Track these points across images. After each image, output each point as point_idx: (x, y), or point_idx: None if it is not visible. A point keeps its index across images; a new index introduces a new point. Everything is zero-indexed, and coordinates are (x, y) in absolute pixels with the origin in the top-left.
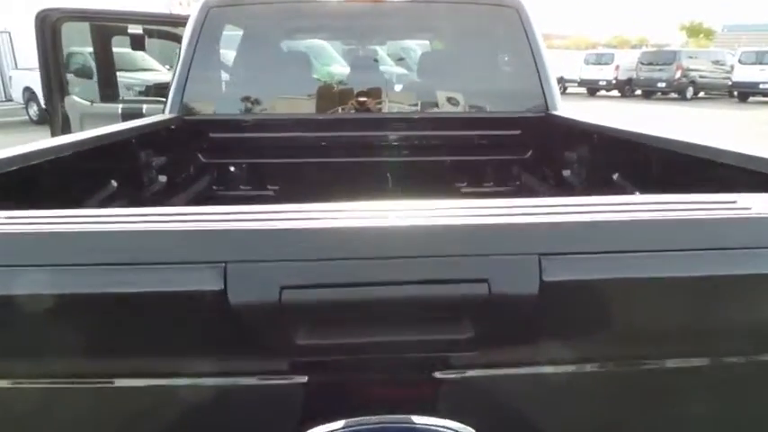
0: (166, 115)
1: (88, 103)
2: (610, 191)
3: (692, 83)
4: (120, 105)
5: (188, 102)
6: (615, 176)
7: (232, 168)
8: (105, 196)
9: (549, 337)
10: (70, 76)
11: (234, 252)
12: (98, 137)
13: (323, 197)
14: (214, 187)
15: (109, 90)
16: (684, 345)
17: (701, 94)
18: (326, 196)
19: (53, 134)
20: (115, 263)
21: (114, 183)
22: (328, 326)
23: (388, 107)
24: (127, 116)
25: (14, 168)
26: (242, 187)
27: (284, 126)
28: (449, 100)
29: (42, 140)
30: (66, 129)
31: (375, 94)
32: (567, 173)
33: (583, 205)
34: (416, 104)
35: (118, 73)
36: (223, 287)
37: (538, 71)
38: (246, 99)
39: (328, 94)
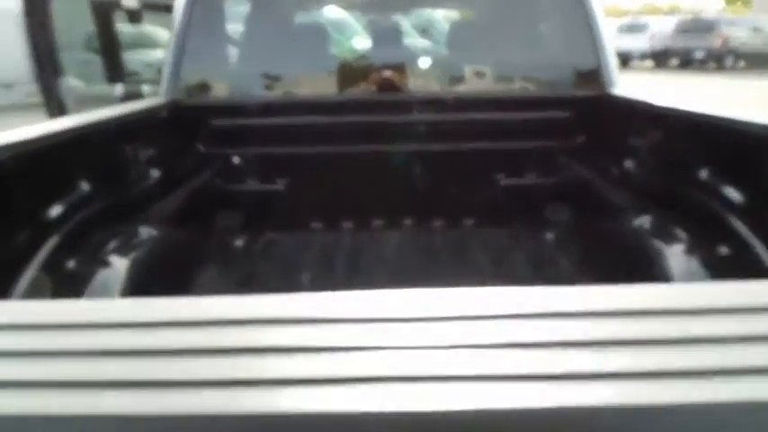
0: (158, 100)
1: (83, 85)
2: (688, 189)
3: (732, 52)
4: (120, 87)
5: (184, 84)
6: (697, 173)
7: (236, 160)
8: (81, 198)
9: None
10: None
11: None
12: (73, 127)
13: (339, 195)
14: (217, 181)
15: (113, 70)
16: None
17: (742, 63)
18: (344, 194)
19: (50, 117)
20: None
21: (90, 182)
22: None
23: (415, 87)
24: (127, 99)
25: None
26: (248, 181)
27: (295, 110)
28: (485, 78)
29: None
30: (61, 113)
31: (400, 72)
32: (628, 165)
33: None
34: (448, 83)
35: (139, 51)
36: None
37: (593, 41)
38: (253, 80)
39: (347, 74)
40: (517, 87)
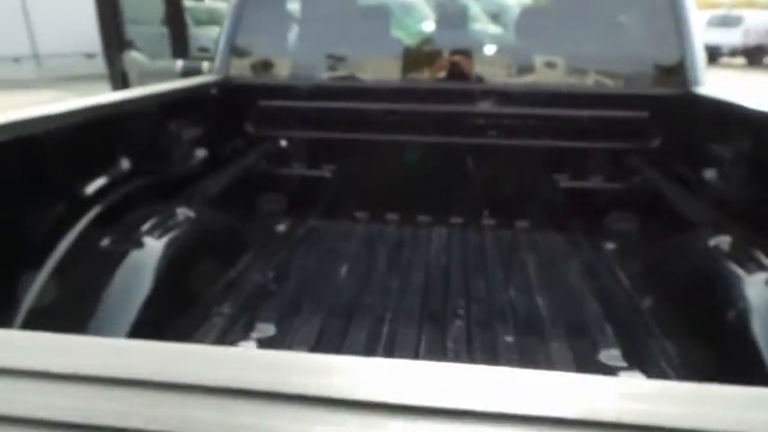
0: (210, 77)
1: (147, 59)
2: None
3: None
4: (181, 62)
5: (237, 61)
6: None
7: (284, 143)
8: (122, 174)
9: None
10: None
11: None
12: (117, 102)
13: (387, 186)
14: (263, 164)
15: (178, 45)
16: None
17: None
18: (392, 185)
19: (113, 90)
20: None
21: (133, 158)
22: None
23: (481, 76)
24: (187, 74)
25: (9, 138)
26: (294, 166)
27: (350, 95)
28: (557, 69)
29: (50, 104)
30: (124, 86)
31: (466, 60)
32: (710, 174)
33: None
34: (516, 74)
35: (211, 27)
36: None
37: (679, 32)
38: (309, 61)
39: (410, 59)
40: (591, 81)
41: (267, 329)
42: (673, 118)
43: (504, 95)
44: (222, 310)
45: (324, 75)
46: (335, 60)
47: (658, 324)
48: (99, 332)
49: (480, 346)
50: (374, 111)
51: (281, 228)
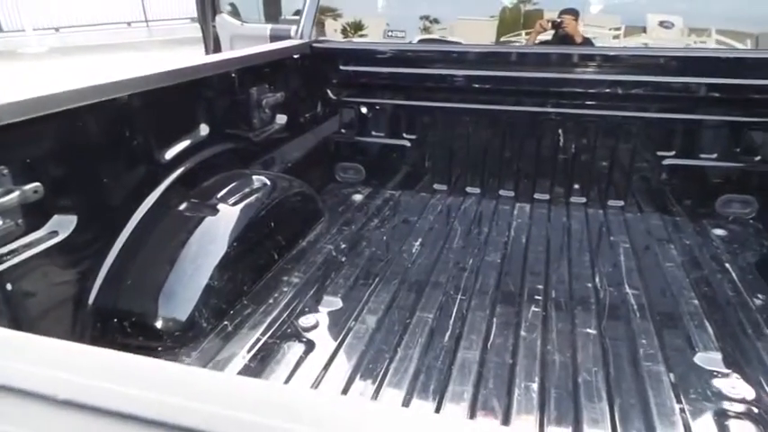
0: (293, 42)
1: (238, 23)
2: None
3: None
4: (270, 26)
5: (330, 23)
6: None
7: (364, 110)
8: (202, 139)
9: None
10: None
11: None
12: (198, 67)
13: (470, 158)
14: (343, 131)
15: (272, 8)
16: None
17: None
18: (475, 157)
19: (206, 53)
20: None
21: (213, 124)
22: None
23: (588, 39)
24: (275, 38)
25: (94, 102)
26: (374, 133)
27: (433, 59)
28: (672, 29)
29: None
30: (216, 50)
31: (569, 21)
32: None
33: None
34: (621, 34)
35: None
36: None
37: None
38: (396, 22)
39: (503, 21)
40: (711, 44)
41: (334, 302)
42: None
43: (608, 60)
44: (293, 279)
45: (415, 38)
46: (428, 22)
47: None
48: (172, 297)
49: (557, 337)
50: (460, 77)
51: (358, 197)
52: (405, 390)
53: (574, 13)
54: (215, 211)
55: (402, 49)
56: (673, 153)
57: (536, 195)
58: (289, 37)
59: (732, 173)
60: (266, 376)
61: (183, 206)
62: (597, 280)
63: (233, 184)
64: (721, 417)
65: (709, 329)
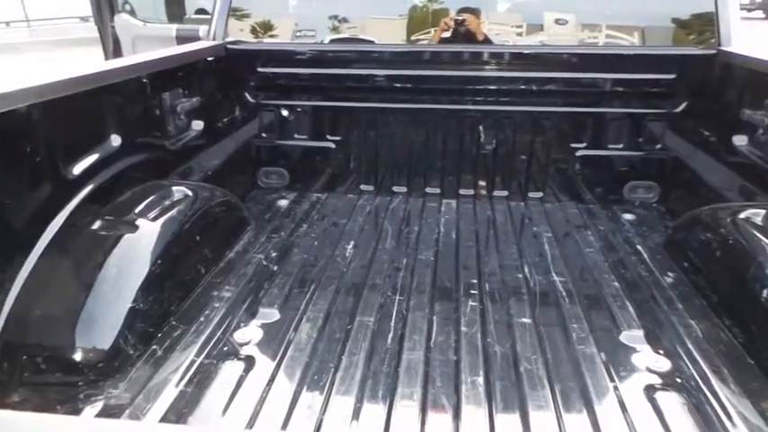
0: (206, 43)
1: (140, 23)
2: None
3: None
4: (176, 26)
5: (236, 23)
6: None
7: (285, 112)
8: (113, 150)
9: None
10: None
11: None
12: (105, 72)
13: (395, 157)
14: (263, 135)
15: (175, 7)
16: None
17: None
18: (400, 156)
19: (105, 57)
20: None
21: (125, 133)
22: None
23: (487, 37)
24: (183, 40)
25: None
26: (296, 136)
27: (352, 59)
28: (573, 28)
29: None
30: (117, 52)
31: (470, 18)
32: (740, 141)
33: None
34: (527, 33)
35: None
36: None
37: None
38: (310, 23)
39: (416, 19)
40: (604, 38)
41: (271, 314)
42: (700, 80)
43: (516, 58)
44: (224, 293)
45: (326, 38)
46: (337, 22)
47: (682, 301)
48: (92, 324)
49: (495, 329)
50: (381, 77)
51: (284, 203)
52: (354, 398)
53: (473, 11)
54: (133, 227)
55: (321, 49)
56: (584, 145)
57: (461, 191)
58: (197, 38)
59: (636, 161)
60: (205, 400)
61: (96, 225)
62: (526, 270)
63: (151, 198)
64: (649, 390)
65: (630, 309)
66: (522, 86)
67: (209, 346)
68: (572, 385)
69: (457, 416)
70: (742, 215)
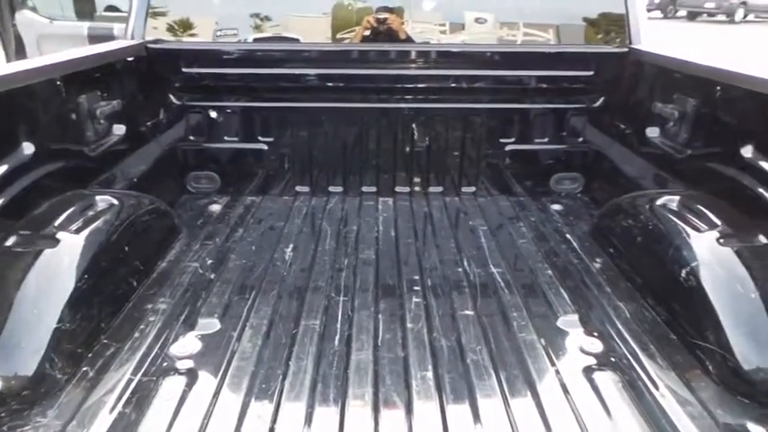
0: (123, 42)
1: (46, 21)
2: (722, 163)
3: (744, 3)
4: (87, 24)
5: (153, 22)
6: (735, 144)
7: (213, 114)
8: (27, 158)
9: None
10: None
11: None
12: (14, 75)
13: (329, 157)
14: (191, 138)
15: (85, 4)
16: None
17: (751, 16)
18: (334, 156)
19: (7, 59)
20: None
21: (39, 140)
22: None
23: (410, 36)
24: (96, 39)
25: None
26: (226, 138)
27: (282, 59)
28: (496, 27)
29: None
30: (20, 53)
31: (392, 17)
32: (652, 133)
33: None
34: (451, 33)
35: None
36: None
37: None
38: (234, 21)
39: (340, 18)
40: (521, 36)
41: (211, 324)
42: (615, 76)
43: (443, 56)
44: (159, 305)
45: (251, 36)
46: (260, 20)
47: (610, 285)
48: (12, 349)
49: (440, 324)
50: (312, 76)
51: (216, 208)
52: (305, 403)
53: (394, 10)
54: (53, 241)
55: (249, 48)
56: (512, 140)
57: (397, 189)
58: (112, 36)
59: (561, 154)
60: (146, 420)
61: (10, 240)
62: (465, 263)
63: (71, 209)
64: (587, 371)
65: (565, 295)
66: (453, 84)
67: (147, 363)
68: (516, 372)
69: (409, 411)
70: (659, 202)
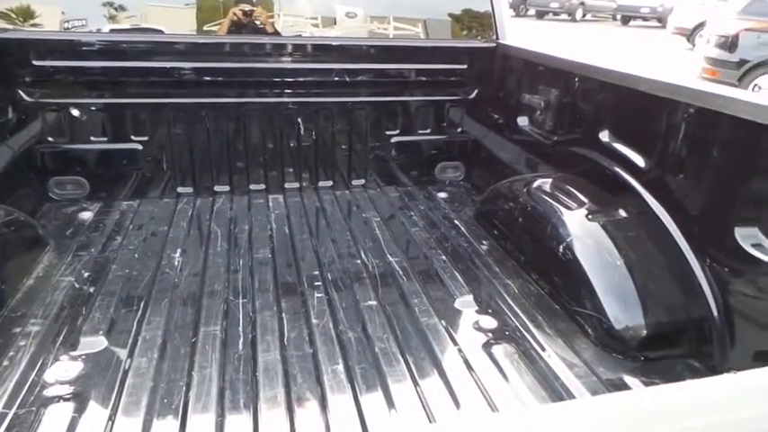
0: None
1: None
2: (583, 147)
3: (582, 4)
4: None
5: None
6: (594, 131)
7: (75, 112)
8: None
9: None
10: None
11: None
12: None
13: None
14: (49, 139)
15: None
16: None
17: (589, 16)
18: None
19: None
20: None
21: None
22: None
23: (288, 30)
24: None
25: None
26: (93, 138)
27: (151, 51)
28: (370, 22)
29: None
30: None
31: (259, 10)
32: (522, 122)
33: None
34: (323, 26)
35: None
36: None
37: None
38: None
39: (204, 10)
40: (391, 30)
41: (96, 342)
42: (486, 69)
43: (320, 49)
44: (29, 327)
45: (108, 26)
46: (114, 10)
47: (498, 265)
48: None
49: (345, 316)
50: (184, 70)
51: (87, 215)
52: (214, 413)
53: (257, 2)
54: None
55: (111, 39)
56: (397, 132)
57: (286, 185)
58: None
59: (442, 144)
60: None
61: None
62: (363, 255)
63: None
64: (486, 346)
65: (459, 278)
66: (335, 78)
67: (23, 393)
68: (423, 355)
69: (324, 407)
70: (534, 185)
